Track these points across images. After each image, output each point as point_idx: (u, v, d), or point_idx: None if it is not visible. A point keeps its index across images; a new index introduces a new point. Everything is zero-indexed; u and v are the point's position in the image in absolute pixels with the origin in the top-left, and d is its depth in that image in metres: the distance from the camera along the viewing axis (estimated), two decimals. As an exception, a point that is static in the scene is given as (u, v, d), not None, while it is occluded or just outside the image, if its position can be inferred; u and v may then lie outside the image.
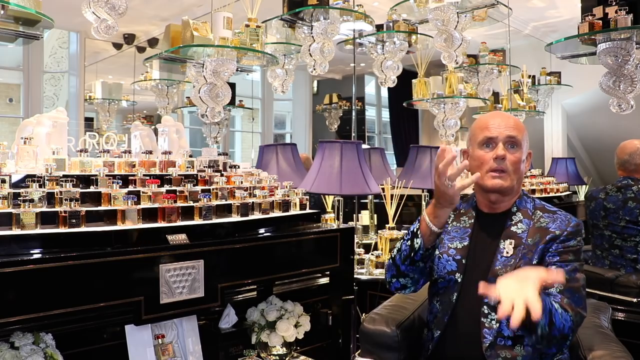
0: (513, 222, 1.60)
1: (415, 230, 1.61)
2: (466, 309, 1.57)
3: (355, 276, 2.53)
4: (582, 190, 5.54)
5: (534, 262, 1.52)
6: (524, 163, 1.62)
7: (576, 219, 1.59)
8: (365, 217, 3.96)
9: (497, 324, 1.50)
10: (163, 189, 1.80)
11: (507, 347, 1.49)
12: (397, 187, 3.12)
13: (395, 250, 1.70)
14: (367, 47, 4.26)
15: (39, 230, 1.49)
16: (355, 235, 2.56)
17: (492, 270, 1.54)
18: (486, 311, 1.52)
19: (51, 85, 6.40)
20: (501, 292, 1.24)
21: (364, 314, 2.51)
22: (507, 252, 1.55)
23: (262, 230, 1.99)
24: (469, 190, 1.78)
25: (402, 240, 1.67)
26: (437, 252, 1.66)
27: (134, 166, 1.92)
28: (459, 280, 1.59)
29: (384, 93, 8.66)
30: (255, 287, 2.02)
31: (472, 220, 1.67)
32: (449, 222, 1.70)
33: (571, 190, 5.30)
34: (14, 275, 1.37)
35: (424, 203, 3.75)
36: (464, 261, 1.61)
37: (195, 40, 2.91)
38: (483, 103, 4.88)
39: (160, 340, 1.74)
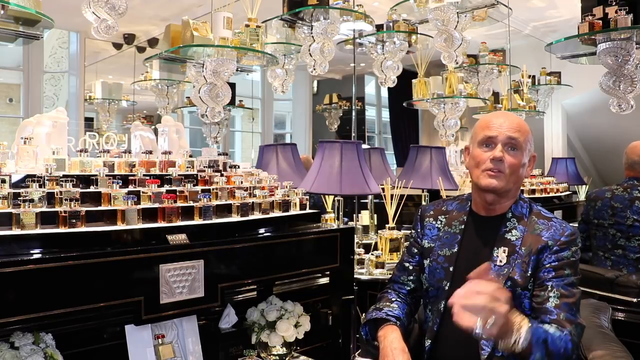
0: (507, 229, 1.56)
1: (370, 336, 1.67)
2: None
3: (355, 276, 2.53)
4: (582, 190, 5.54)
5: (529, 273, 1.48)
6: (525, 166, 1.57)
7: (571, 228, 1.53)
8: (365, 217, 3.96)
9: None
10: (163, 189, 1.80)
11: (506, 357, 1.46)
12: (397, 187, 3.12)
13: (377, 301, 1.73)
14: (367, 47, 4.26)
15: (39, 230, 1.49)
16: (355, 235, 2.56)
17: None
18: None
19: (51, 85, 6.41)
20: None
21: (364, 314, 2.51)
22: (501, 261, 1.51)
23: (262, 230, 1.99)
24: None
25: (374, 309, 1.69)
26: (427, 261, 1.66)
27: (134, 166, 1.92)
28: (447, 288, 1.57)
29: (384, 93, 8.66)
30: (255, 287, 2.02)
31: (463, 226, 1.63)
32: (441, 228, 1.67)
33: (571, 190, 5.30)
34: (14, 275, 1.37)
35: (424, 203, 3.75)
36: (451, 269, 1.59)
37: (195, 40, 2.91)
38: (483, 103, 4.89)
39: (160, 340, 1.74)
